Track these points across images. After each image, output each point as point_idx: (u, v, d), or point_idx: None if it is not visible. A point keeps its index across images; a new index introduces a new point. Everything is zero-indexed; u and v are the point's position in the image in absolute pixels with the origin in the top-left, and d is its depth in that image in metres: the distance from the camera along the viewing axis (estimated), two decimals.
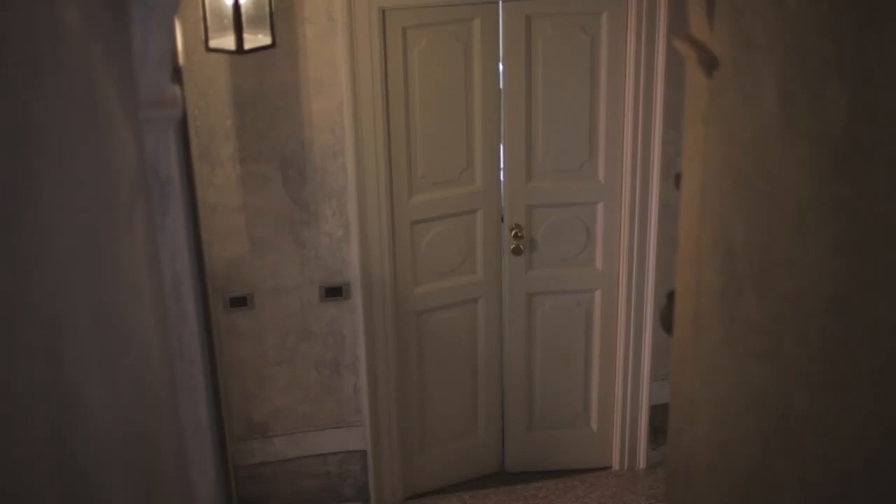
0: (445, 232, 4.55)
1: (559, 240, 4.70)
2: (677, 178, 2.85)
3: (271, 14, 3.69)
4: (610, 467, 4.99)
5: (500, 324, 4.78)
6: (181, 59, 3.74)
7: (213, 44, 3.68)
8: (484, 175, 4.54)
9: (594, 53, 4.44)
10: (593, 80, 4.47)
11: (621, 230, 4.64)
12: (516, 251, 4.67)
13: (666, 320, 3.58)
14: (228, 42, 3.65)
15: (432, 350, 4.66)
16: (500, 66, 4.49)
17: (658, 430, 4.85)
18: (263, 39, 3.71)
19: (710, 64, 2.30)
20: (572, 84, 4.49)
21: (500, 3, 4.36)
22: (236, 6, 3.57)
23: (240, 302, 4.33)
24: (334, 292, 4.40)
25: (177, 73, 3.06)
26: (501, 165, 4.61)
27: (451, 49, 4.30)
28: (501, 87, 4.47)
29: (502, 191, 4.62)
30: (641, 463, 4.94)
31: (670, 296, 2.95)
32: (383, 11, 4.06)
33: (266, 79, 4.08)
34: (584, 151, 4.58)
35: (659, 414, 4.78)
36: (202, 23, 3.66)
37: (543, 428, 4.93)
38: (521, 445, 4.94)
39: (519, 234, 4.65)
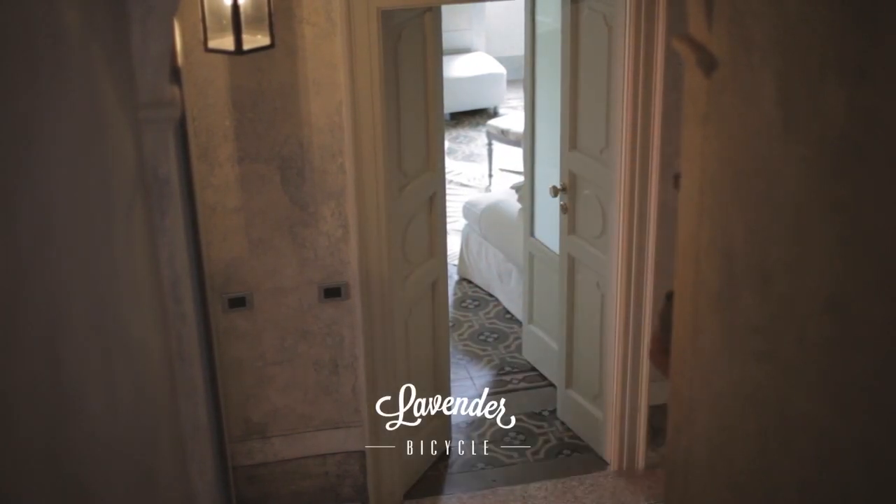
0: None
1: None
2: (676, 179, 2.85)
3: (270, 15, 3.69)
4: (608, 466, 4.99)
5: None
6: (180, 60, 3.74)
7: (211, 44, 3.68)
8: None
9: (610, 46, 4.48)
10: (610, 70, 4.53)
11: (619, 230, 4.63)
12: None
13: (665, 321, 3.57)
14: (227, 42, 3.64)
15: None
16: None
17: (657, 430, 4.85)
18: (262, 40, 3.71)
19: (708, 64, 2.29)
20: (594, 72, 4.62)
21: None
22: (235, 7, 3.57)
23: (238, 302, 4.32)
24: (333, 292, 4.40)
25: (176, 74, 3.05)
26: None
27: None
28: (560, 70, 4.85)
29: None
30: (640, 463, 4.94)
31: (669, 296, 2.95)
32: (381, 12, 4.06)
33: (265, 79, 4.08)
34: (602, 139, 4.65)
35: (657, 414, 4.78)
36: (201, 23, 3.66)
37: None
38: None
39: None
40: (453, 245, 6.63)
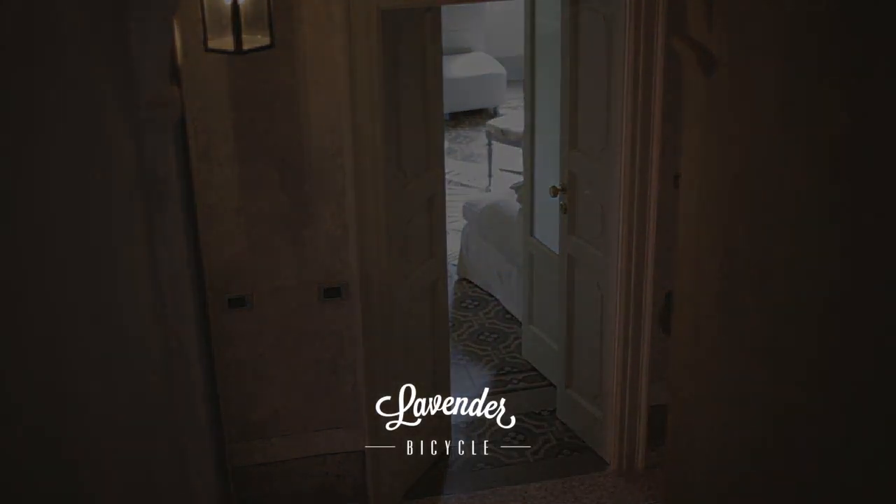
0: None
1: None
2: (676, 179, 2.85)
3: (270, 14, 3.69)
4: (608, 466, 4.99)
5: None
6: (180, 60, 3.74)
7: (211, 44, 3.67)
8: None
9: (610, 46, 4.47)
10: (610, 70, 4.52)
11: (619, 230, 4.64)
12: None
13: (664, 321, 3.58)
14: (227, 42, 3.64)
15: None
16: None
17: (656, 430, 4.85)
18: (262, 40, 3.71)
19: (708, 64, 2.30)
20: (594, 72, 4.61)
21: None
22: (235, 6, 3.57)
23: (238, 302, 4.32)
24: (333, 292, 4.40)
25: (175, 74, 3.06)
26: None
27: None
28: (560, 70, 4.85)
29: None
30: (640, 463, 4.94)
31: (668, 296, 2.95)
32: (381, 12, 4.06)
33: (265, 79, 4.08)
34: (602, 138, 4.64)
35: (657, 414, 4.78)
36: (201, 23, 3.65)
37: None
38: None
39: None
40: (453, 245, 6.63)
